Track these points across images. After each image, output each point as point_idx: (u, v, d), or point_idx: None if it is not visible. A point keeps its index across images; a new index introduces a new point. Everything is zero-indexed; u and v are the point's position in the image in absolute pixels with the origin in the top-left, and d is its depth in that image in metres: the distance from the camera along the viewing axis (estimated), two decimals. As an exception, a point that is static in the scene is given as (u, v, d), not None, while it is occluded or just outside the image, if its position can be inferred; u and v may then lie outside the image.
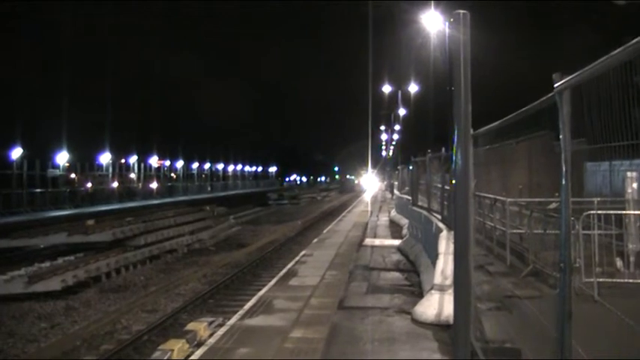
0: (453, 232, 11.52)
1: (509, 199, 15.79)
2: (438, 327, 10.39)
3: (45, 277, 22.49)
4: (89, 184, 56.44)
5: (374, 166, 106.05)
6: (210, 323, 16.29)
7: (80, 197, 50.50)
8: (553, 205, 13.81)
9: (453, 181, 6.02)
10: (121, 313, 19.87)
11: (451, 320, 9.53)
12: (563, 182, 4.46)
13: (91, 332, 17.74)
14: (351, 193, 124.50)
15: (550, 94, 4.80)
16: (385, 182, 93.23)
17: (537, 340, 8.13)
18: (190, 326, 15.88)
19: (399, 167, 55.96)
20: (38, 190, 45.93)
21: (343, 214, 46.46)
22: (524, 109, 5.91)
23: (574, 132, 4.77)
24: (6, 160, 45.67)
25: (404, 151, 65.18)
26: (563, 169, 4.47)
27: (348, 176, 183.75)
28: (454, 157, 5.56)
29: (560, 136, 4.56)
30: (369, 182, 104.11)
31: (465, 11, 5.48)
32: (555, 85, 4.61)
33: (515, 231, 15.26)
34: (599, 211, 11.39)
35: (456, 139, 5.49)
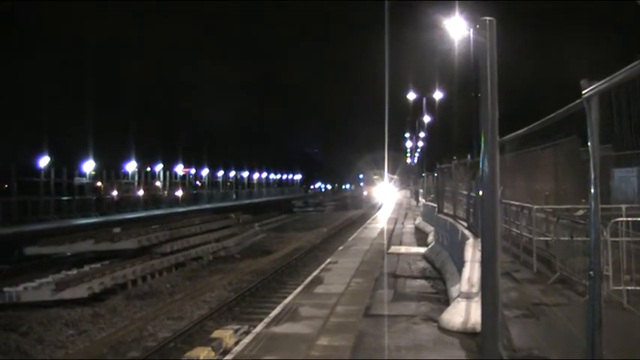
0: (479, 240, 11.50)
1: (535, 206, 15.69)
2: (465, 335, 10.32)
3: (72, 284, 22.66)
4: (115, 192, 56.77)
5: (394, 174, 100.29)
6: (236, 331, 16.34)
7: (106, 205, 50.79)
8: (580, 212, 13.71)
9: (480, 192, 5.97)
10: (147, 320, 19.97)
11: (478, 328, 9.48)
12: (592, 189, 4.43)
13: (117, 339, 17.85)
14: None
15: (578, 100, 4.76)
16: (410, 190, 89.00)
17: (566, 348, 8.07)
18: (216, 334, 15.95)
19: (423, 174, 55.77)
20: (65, 197, 46.24)
21: (368, 221, 46.36)
22: (551, 115, 5.88)
23: (600, 138, 4.73)
24: (34, 168, 46.10)
25: (429, 158, 65.01)
26: (592, 175, 4.43)
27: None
28: (481, 164, 5.53)
29: (589, 143, 4.53)
30: (387, 192, 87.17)
31: (491, 18, 5.45)
32: (583, 92, 4.58)
33: (542, 238, 15.16)
34: (628, 218, 11.28)
35: (482, 146, 5.45)
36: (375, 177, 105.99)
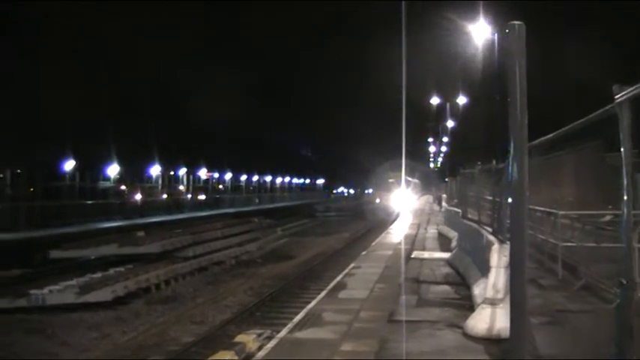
0: (504, 245, 11.43)
1: (561, 212, 15.57)
2: (490, 341, 10.23)
3: (96, 287, 22.82)
4: (139, 196, 57.03)
5: (414, 177, 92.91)
6: (259, 335, 16.30)
7: (130, 209, 51.06)
8: (607, 218, 13.59)
9: (510, 198, 5.92)
10: (169, 324, 20.05)
11: (503, 334, 9.42)
12: (625, 195, 4.36)
13: (140, 343, 17.94)
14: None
15: (609, 106, 4.71)
16: (433, 195, 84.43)
17: (592, 355, 7.99)
18: (239, 338, 15.91)
19: (446, 179, 55.39)
20: (89, 201, 46.49)
21: (391, 226, 46.14)
22: (581, 120, 5.82)
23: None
24: (59, 172, 46.47)
25: (452, 163, 64.62)
26: (625, 181, 4.37)
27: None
28: (510, 170, 5.48)
29: (621, 148, 4.47)
30: (406, 199, 72.31)
31: (520, 22, 5.39)
32: (616, 97, 4.52)
33: (567, 244, 15.03)
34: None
35: (511, 152, 5.41)
36: (391, 180, 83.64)
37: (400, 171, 65.05)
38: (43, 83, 53.15)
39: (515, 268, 5.56)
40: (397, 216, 57.78)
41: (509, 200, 5.91)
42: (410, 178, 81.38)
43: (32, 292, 22.39)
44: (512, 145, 5.39)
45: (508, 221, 9.34)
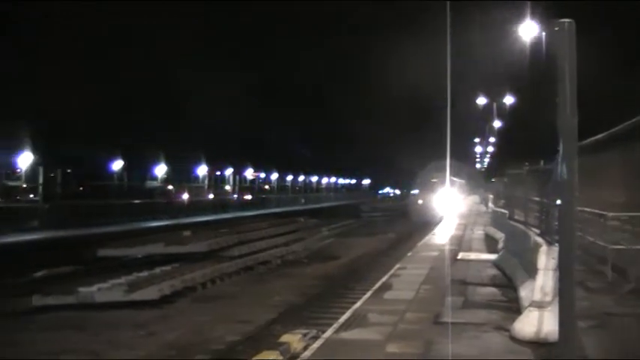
0: (552, 247, 11.28)
1: (611, 214, 15.31)
2: (537, 344, 10.12)
3: (143, 285, 23.02)
4: (185, 196, 57.50)
5: (459, 178, 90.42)
6: (305, 335, 16.29)
7: (176, 208, 51.50)
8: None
9: (558, 200, 5.84)
10: (215, 323, 20.11)
11: (550, 337, 9.31)
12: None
13: (185, 341, 18.02)
14: None
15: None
16: (480, 196, 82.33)
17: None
18: (284, 338, 15.88)
19: (493, 179, 54.77)
20: (137, 200, 46.98)
21: (436, 227, 45.80)
22: (633, 120, 5.72)
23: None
24: (107, 171, 47.09)
25: (498, 163, 63.94)
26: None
27: None
28: (559, 171, 5.41)
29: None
30: (451, 200, 67.64)
31: (570, 20, 5.31)
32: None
33: (616, 246, 14.77)
34: None
35: (561, 152, 5.33)
36: (434, 180, 76.07)
37: (444, 171, 63.37)
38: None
39: (563, 270, 5.49)
40: (442, 217, 56.32)
41: (558, 201, 5.83)
42: (455, 179, 79.36)
43: (81, 289, 22.65)
44: (561, 145, 5.32)
45: (556, 223, 9.22)
